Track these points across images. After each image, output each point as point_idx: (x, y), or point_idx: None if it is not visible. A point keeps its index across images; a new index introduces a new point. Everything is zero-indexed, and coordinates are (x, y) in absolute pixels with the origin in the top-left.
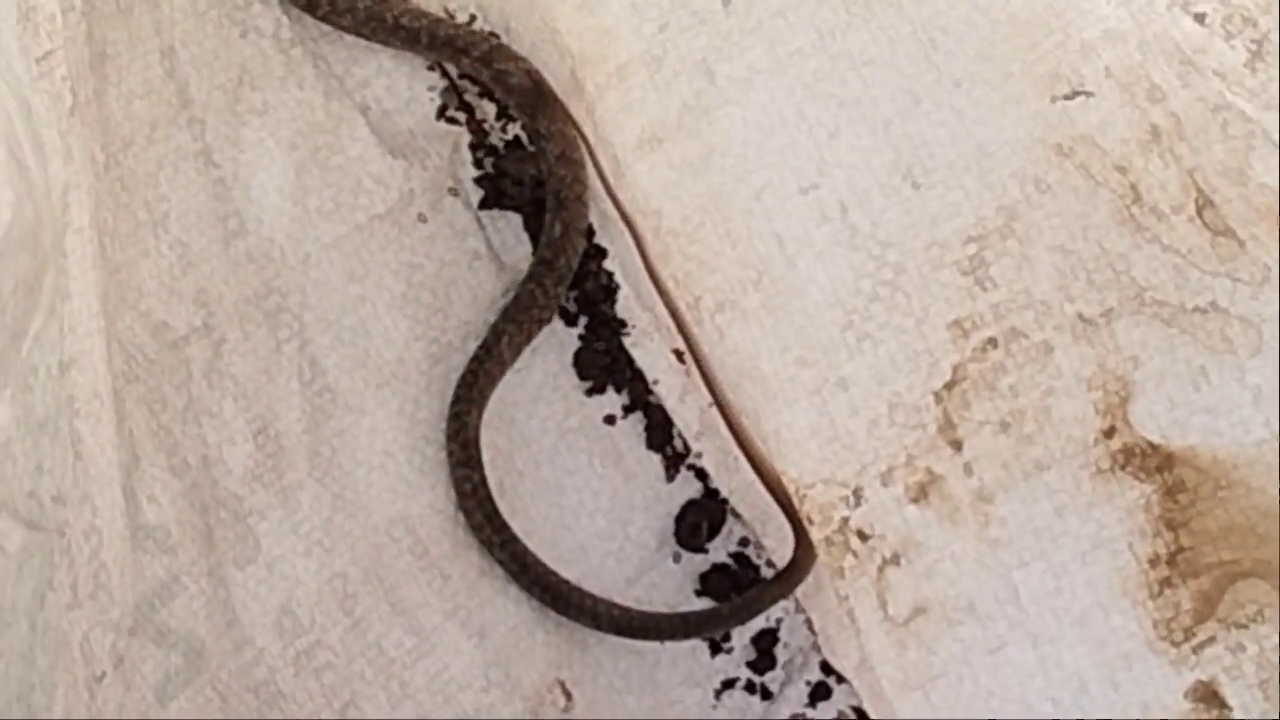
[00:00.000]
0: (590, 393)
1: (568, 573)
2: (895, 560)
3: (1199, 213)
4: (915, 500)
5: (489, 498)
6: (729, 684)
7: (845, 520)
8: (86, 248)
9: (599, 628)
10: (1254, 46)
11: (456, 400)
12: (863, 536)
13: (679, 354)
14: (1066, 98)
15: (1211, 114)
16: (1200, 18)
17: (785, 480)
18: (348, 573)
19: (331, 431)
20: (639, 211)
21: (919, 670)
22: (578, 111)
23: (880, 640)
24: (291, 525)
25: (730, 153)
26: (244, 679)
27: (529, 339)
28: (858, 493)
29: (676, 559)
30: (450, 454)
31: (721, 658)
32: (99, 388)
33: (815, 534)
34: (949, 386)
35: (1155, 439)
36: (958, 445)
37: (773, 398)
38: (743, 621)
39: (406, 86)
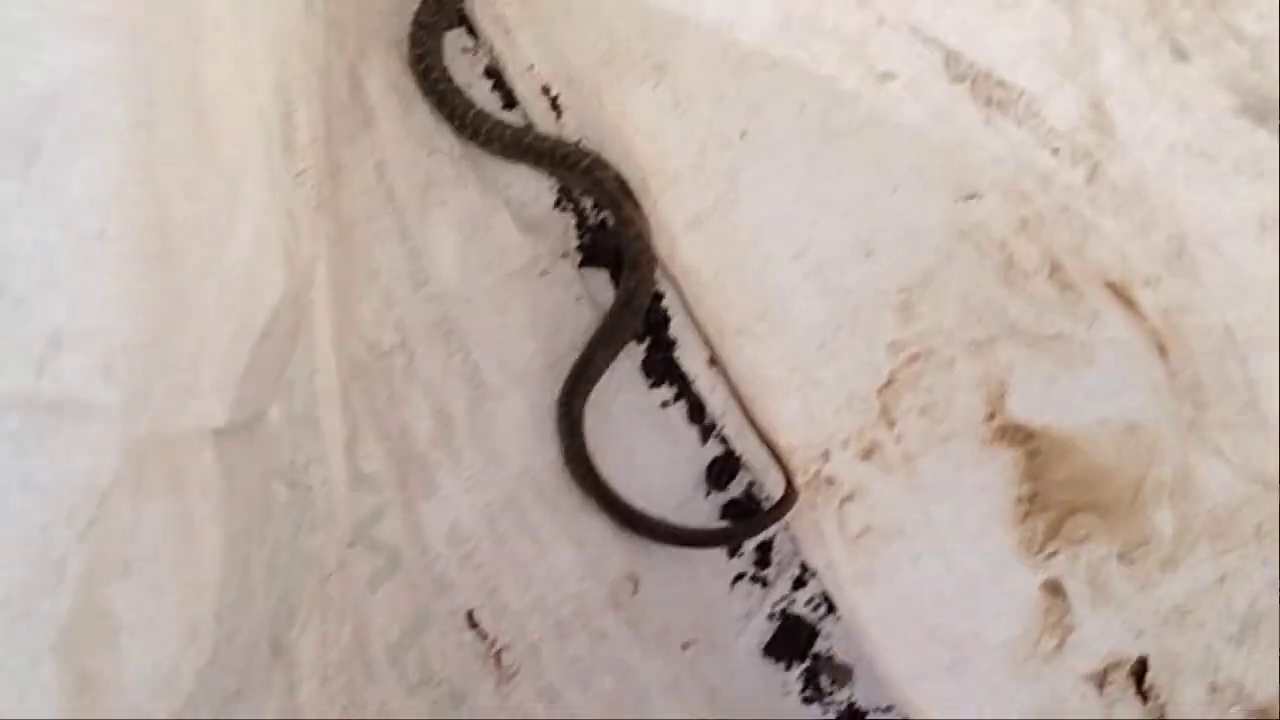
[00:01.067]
0: (652, 387)
1: (637, 503)
2: (850, 498)
3: (1051, 275)
4: (864, 459)
5: (587, 456)
6: (740, 576)
7: (818, 471)
8: (324, 295)
9: (657, 539)
10: (1089, 171)
11: (565, 393)
12: (829, 482)
13: (710, 362)
14: (967, 199)
15: (1060, 212)
16: (1055, 151)
17: (779, 445)
18: (493, 503)
19: (484, 412)
20: (685, 270)
21: (864, 570)
22: (645, 204)
23: (839, 549)
24: (457, 473)
25: (746, 231)
26: (425, 574)
27: (614, 355)
28: (826, 454)
29: (707, 495)
30: (559, 429)
31: (736, 560)
32: (331, 386)
33: (798, 480)
34: (886, 385)
35: (1022, 421)
36: (892, 424)
37: (772, 392)
38: (751, 536)
39: (534, 187)
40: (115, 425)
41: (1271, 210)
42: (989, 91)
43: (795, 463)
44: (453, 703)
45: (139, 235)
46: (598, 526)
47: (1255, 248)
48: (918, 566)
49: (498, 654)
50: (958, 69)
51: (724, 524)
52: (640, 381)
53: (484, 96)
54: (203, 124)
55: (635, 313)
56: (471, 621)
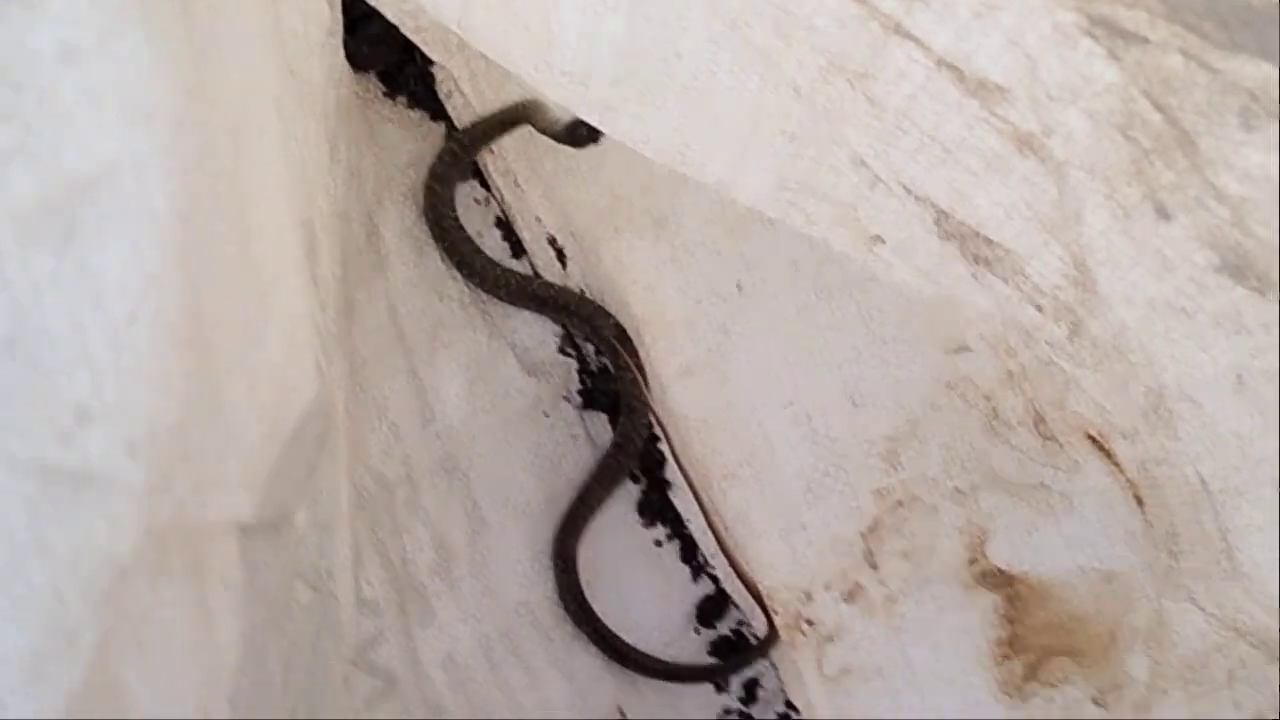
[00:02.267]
0: (646, 526)
1: (628, 639)
2: (830, 638)
3: (1035, 426)
4: (847, 600)
5: (580, 593)
6: (728, 712)
7: (799, 613)
8: (340, 424)
9: (647, 675)
10: (1072, 327)
11: (561, 530)
12: (810, 623)
13: (698, 504)
14: (955, 351)
15: (1043, 367)
16: (1040, 307)
17: (760, 586)
18: (489, 634)
19: (483, 545)
20: (674, 416)
21: (842, 709)
22: (641, 352)
23: (818, 689)
24: (455, 603)
25: (736, 381)
26: (420, 698)
27: (609, 494)
28: (809, 595)
29: (697, 632)
30: (555, 564)
31: (723, 696)
32: (342, 511)
33: (779, 621)
34: (871, 530)
35: (1003, 566)
36: (875, 566)
37: (757, 535)
38: (732, 674)
39: (539, 332)
40: (138, 505)
41: (1248, 365)
42: (977, 249)
43: (777, 603)
44: None
45: (171, 323)
46: (589, 660)
47: (1231, 401)
48: (895, 706)
49: None
50: (947, 226)
51: (712, 661)
52: (635, 521)
53: (494, 245)
54: (241, 224)
55: (630, 455)
56: None
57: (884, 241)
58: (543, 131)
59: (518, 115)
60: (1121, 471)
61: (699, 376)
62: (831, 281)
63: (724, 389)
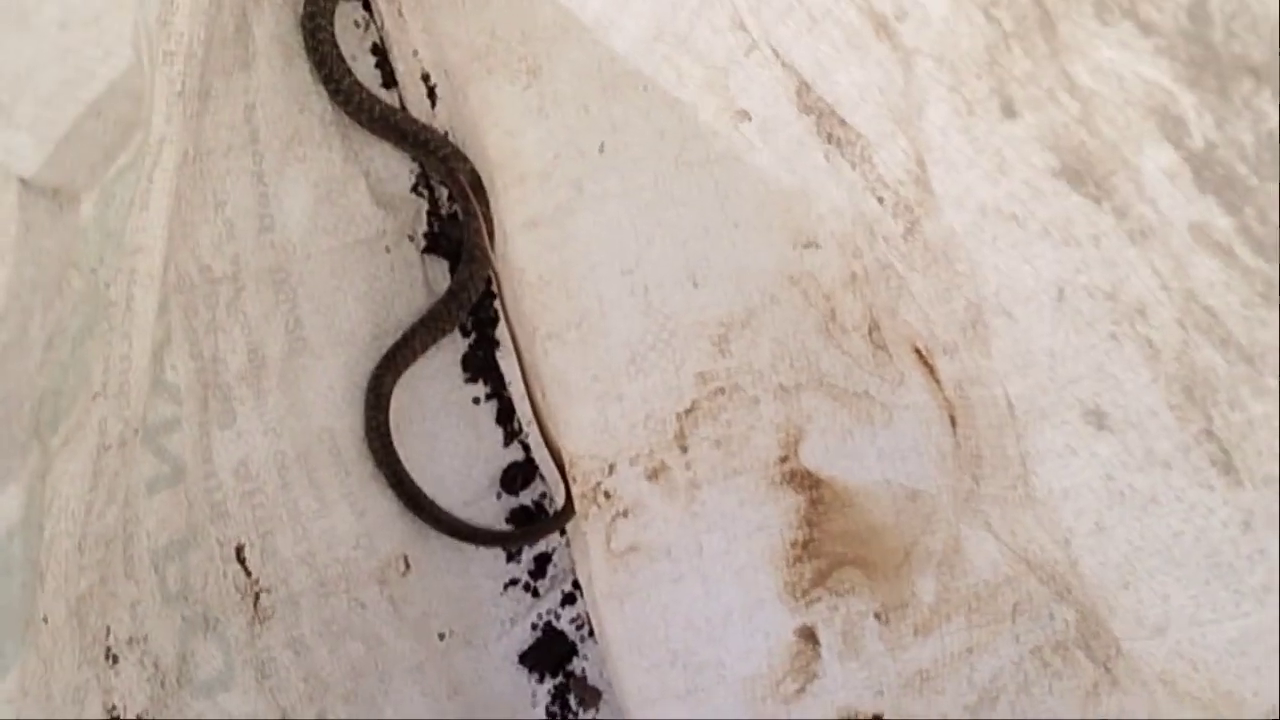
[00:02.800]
0: (467, 381)
1: (428, 489)
2: (625, 514)
3: (869, 333)
4: (649, 478)
5: (387, 433)
6: (513, 582)
7: (599, 484)
8: (168, 187)
9: (439, 529)
10: (908, 225)
11: (379, 367)
12: (607, 496)
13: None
14: (805, 246)
15: (881, 270)
16: (881, 200)
17: (565, 453)
18: (286, 452)
19: (298, 364)
20: (511, 269)
21: (621, 587)
22: (491, 200)
23: (600, 563)
24: (259, 413)
25: (580, 240)
26: (205, 497)
27: (434, 340)
28: (612, 467)
29: (499, 497)
30: (367, 399)
31: (513, 564)
32: (154, 275)
33: (576, 490)
34: (687, 412)
35: (811, 468)
36: (684, 449)
37: (571, 400)
38: (529, 543)
39: (395, 165)
40: None
41: (1071, 279)
42: (831, 128)
43: (578, 471)
44: (205, 625)
45: None
46: (383, 502)
47: (1049, 316)
48: (676, 589)
49: (257, 594)
50: (808, 99)
51: (507, 528)
52: (457, 374)
53: (366, 71)
54: None
55: (462, 305)
56: (239, 556)
57: (750, 119)
58: None
59: None
60: (940, 389)
61: (542, 231)
62: (694, 157)
63: (566, 247)
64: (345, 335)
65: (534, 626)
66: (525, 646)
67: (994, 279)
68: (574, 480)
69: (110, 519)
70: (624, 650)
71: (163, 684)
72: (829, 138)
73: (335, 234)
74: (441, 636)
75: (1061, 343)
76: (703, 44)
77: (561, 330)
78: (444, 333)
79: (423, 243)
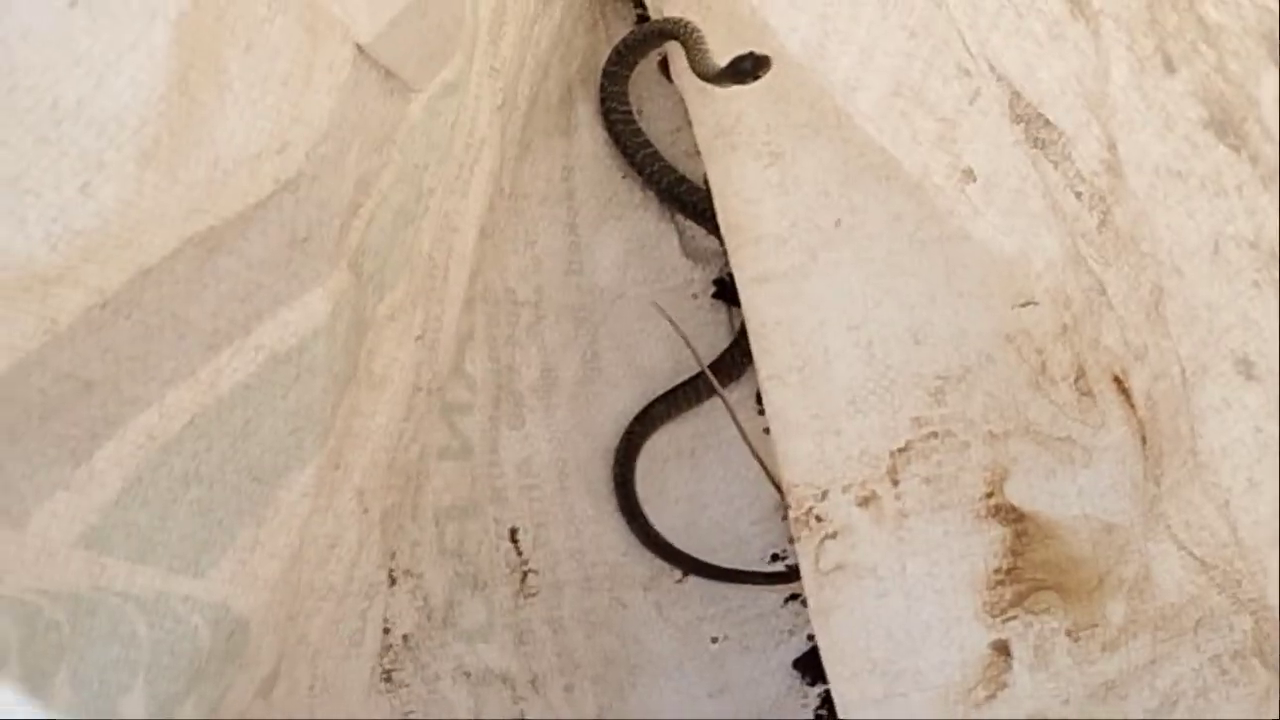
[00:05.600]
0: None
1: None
2: (833, 535)
3: (1075, 381)
4: (859, 505)
5: (632, 489)
6: (794, 597)
7: (810, 509)
8: (484, 189)
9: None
10: (1102, 215)
11: (636, 420)
12: (818, 519)
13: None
14: (1022, 306)
15: (1084, 296)
16: (1079, 195)
17: (782, 482)
18: (568, 460)
19: (592, 390)
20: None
21: (827, 602)
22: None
23: (809, 581)
24: (547, 424)
25: (810, 299)
26: (488, 480)
27: (718, 388)
28: (825, 493)
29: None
30: (617, 452)
31: (796, 581)
32: (466, 257)
33: (790, 515)
34: (900, 450)
35: (1016, 504)
36: (896, 483)
37: (790, 434)
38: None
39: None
40: None
41: (1223, 230)
42: (1037, 132)
43: (792, 499)
44: (474, 584)
45: None
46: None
47: (1208, 270)
48: (879, 604)
49: (525, 573)
50: (1019, 109)
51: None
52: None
53: (687, 142)
54: None
55: (746, 351)
56: (513, 537)
57: (974, 179)
58: (695, 68)
59: (672, 31)
60: (1134, 412)
61: (774, 285)
62: (926, 236)
63: (795, 303)
64: (645, 370)
65: (810, 637)
66: (800, 653)
67: (1167, 238)
68: (789, 506)
69: (413, 455)
70: (830, 661)
71: (429, 618)
72: (1035, 141)
73: (644, 284)
74: (714, 640)
75: (1217, 294)
76: (934, 95)
77: (783, 373)
78: (730, 379)
79: (712, 289)
